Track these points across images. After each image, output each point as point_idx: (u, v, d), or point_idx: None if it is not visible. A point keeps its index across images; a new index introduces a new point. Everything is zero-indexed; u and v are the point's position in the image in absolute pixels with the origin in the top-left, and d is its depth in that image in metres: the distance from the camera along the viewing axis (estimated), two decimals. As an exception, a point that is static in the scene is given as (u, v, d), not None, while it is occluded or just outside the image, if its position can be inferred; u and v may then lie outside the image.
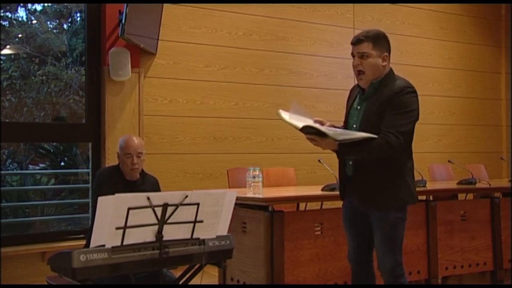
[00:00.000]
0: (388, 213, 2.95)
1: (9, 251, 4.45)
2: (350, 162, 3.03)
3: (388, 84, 2.96)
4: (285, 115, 2.94)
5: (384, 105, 2.91)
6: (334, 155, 3.10)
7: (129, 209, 2.31)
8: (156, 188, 3.39)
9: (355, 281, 3.21)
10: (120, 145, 3.31)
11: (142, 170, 3.38)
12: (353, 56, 3.01)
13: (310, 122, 2.93)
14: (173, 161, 5.27)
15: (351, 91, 3.20)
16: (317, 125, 2.87)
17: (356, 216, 3.10)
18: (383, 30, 3.08)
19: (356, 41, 2.99)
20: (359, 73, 3.00)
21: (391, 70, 3.04)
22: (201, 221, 2.54)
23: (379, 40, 2.99)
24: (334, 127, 3.03)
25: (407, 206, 3.01)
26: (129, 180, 3.28)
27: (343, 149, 2.86)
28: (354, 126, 3.02)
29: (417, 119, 2.99)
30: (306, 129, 2.84)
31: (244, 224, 3.87)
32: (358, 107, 3.04)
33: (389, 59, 3.03)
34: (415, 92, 2.98)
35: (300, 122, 2.89)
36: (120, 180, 3.26)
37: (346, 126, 3.11)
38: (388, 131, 2.84)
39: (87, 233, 3.39)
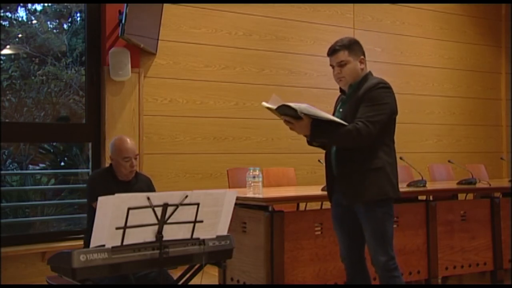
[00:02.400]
0: (375, 209, 3.00)
1: (9, 251, 4.45)
2: (334, 161, 3.11)
3: (364, 84, 3.07)
4: (265, 103, 3.03)
5: (358, 102, 3.01)
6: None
7: (129, 209, 2.32)
8: (150, 187, 3.39)
9: (349, 280, 3.25)
10: (115, 148, 3.27)
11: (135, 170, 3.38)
12: (332, 67, 3.14)
13: None
14: (173, 161, 5.27)
15: (337, 98, 3.30)
16: (289, 103, 2.92)
17: (345, 215, 3.15)
18: (353, 37, 3.20)
19: (332, 52, 3.12)
20: (340, 79, 3.12)
21: (369, 72, 3.15)
22: (201, 221, 2.54)
23: (353, 46, 3.12)
24: None
25: (391, 200, 3.06)
26: (123, 181, 3.28)
27: (315, 131, 2.95)
28: None
29: (391, 112, 3.04)
30: (281, 109, 2.93)
31: (244, 224, 3.87)
32: (341, 110, 3.15)
33: (365, 62, 3.14)
34: (388, 88, 3.06)
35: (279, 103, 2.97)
36: (113, 181, 3.25)
37: None
38: (357, 120, 2.95)
39: (84, 235, 3.39)
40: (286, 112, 2.94)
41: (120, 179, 3.27)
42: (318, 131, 2.95)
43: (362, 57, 3.12)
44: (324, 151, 3.22)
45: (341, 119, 3.06)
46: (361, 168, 3.00)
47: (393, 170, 3.06)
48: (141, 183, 3.33)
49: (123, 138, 3.33)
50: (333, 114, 3.21)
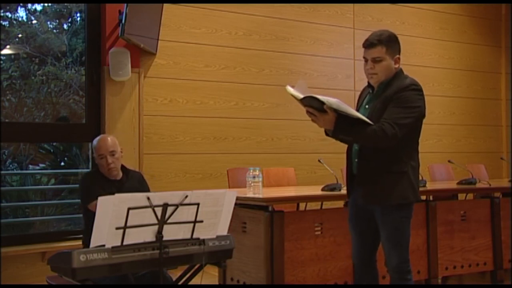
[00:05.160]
0: (392, 212, 2.96)
1: (9, 251, 4.45)
2: (356, 160, 3.05)
3: (395, 82, 2.98)
4: (290, 88, 2.94)
5: (388, 101, 2.93)
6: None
7: (129, 209, 2.31)
8: (142, 182, 3.39)
9: (358, 280, 3.22)
10: (94, 147, 3.28)
11: (125, 167, 3.37)
12: (366, 60, 3.01)
13: None
14: (173, 161, 5.27)
15: (362, 91, 3.22)
16: (317, 95, 2.83)
17: (360, 215, 3.12)
18: (393, 32, 3.07)
19: (369, 45, 2.98)
20: (371, 75, 3.01)
21: (401, 69, 3.05)
22: (201, 221, 2.54)
23: (392, 43, 2.99)
24: None
25: (411, 204, 3.02)
26: (113, 180, 3.27)
27: (340, 126, 2.85)
28: None
29: (420, 116, 3.00)
30: (306, 100, 2.84)
31: (244, 224, 3.87)
32: (367, 106, 3.07)
33: (400, 61, 3.03)
34: (420, 90, 2.99)
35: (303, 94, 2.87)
36: (104, 181, 3.25)
37: None
38: (384, 121, 2.87)
39: (83, 236, 3.39)
40: (311, 104, 2.84)
41: (110, 178, 3.26)
42: (342, 127, 2.85)
43: (398, 56, 3.01)
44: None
45: (367, 115, 2.97)
46: (385, 171, 2.94)
47: (415, 173, 3.02)
48: (132, 181, 3.32)
49: (103, 136, 3.34)
50: (358, 108, 3.14)
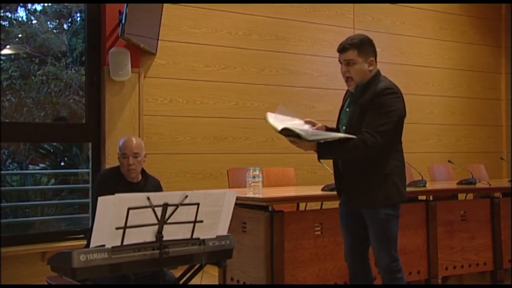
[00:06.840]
0: (379, 211, 3.00)
1: (9, 251, 4.45)
2: (340, 161, 3.10)
3: (371, 86, 3.03)
4: (270, 117, 3.01)
5: (365, 106, 2.98)
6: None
7: (129, 209, 2.32)
8: (158, 190, 3.35)
9: (352, 279, 3.25)
10: (119, 146, 3.30)
11: (145, 172, 3.36)
12: (341, 63, 3.10)
13: (293, 124, 2.99)
14: (173, 161, 5.27)
15: (345, 94, 3.27)
16: (292, 127, 2.91)
17: (351, 214, 3.16)
18: (367, 35, 3.17)
19: (342, 49, 3.08)
20: (347, 79, 3.09)
21: (377, 72, 3.10)
22: (201, 221, 2.54)
23: (364, 46, 3.07)
24: (327, 128, 3.12)
25: (397, 204, 3.05)
26: (131, 182, 3.26)
27: (322, 150, 2.94)
28: (344, 128, 3.09)
29: (399, 118, 3.01)
30: (284, 132, 2.91)
31: (244, 224, 3.87)
32: (347, 110, 3.12)
33: (376, 62, 3.10)
34: (396, 93, 3.01)
35: (283, 124, 2.94)
36: (121, 181, 3.24)
37: (338, 127, 3.18)
38: (365, 131, 2.92)
39: (88, 233, 3.38)
40: (289, 133, 2.91)
41: (128, 180, 3.26)
42: (323, 150, 2.94)
43: (372, 58, 3.06)
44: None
45: (347, 119, 3.04)
46: (367, 174, 2.98)
47: (400, 173, 3.05)
48: (149, 186, 3.30)
49: (130, 136, 3.37)
50: (341, 109, 3.19)
